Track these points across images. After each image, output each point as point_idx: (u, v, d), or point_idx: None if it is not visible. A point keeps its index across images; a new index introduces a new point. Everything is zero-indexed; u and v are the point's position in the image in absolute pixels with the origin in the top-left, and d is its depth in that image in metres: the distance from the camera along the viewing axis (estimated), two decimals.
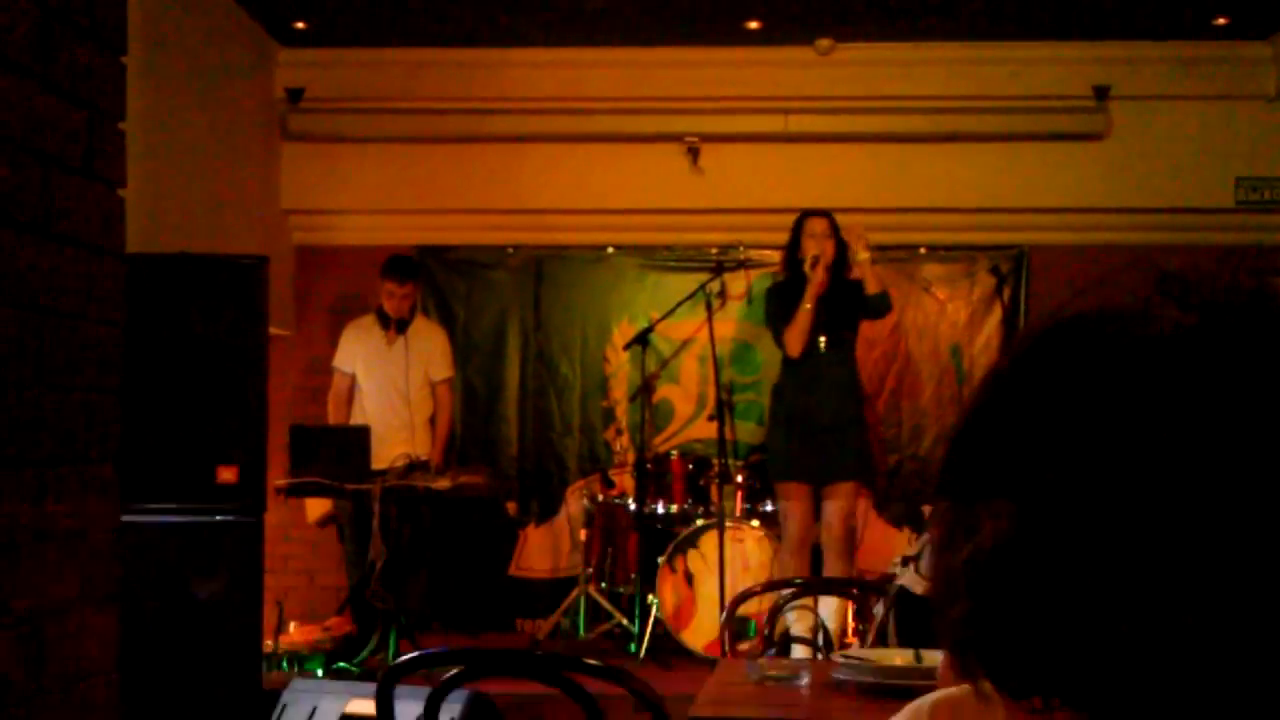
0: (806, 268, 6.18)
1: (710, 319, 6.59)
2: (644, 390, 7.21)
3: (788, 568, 6.17)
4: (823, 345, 6.23)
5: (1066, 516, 0.69)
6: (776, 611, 4.52)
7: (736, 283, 7.42)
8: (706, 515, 6.51)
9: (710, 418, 6.86)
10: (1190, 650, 0.67)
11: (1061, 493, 0.70)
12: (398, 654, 6.05)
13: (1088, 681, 0.69)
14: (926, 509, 7.23)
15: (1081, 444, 0.70)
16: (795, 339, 6.21)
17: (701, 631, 6.30)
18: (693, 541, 6.44)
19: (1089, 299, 0.75)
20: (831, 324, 6.25)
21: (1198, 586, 0.67)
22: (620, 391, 7.68)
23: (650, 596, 6.47)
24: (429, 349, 6.96)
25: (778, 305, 6.35)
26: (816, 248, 6.21)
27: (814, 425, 6.19)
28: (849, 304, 6.30)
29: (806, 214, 6.36)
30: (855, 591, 5.17)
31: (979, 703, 0.96)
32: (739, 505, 6.66)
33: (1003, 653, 0.72)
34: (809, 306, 6.17)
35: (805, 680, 2.95)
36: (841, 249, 6.31)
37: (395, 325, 6.85)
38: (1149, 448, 0.68)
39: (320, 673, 6.20)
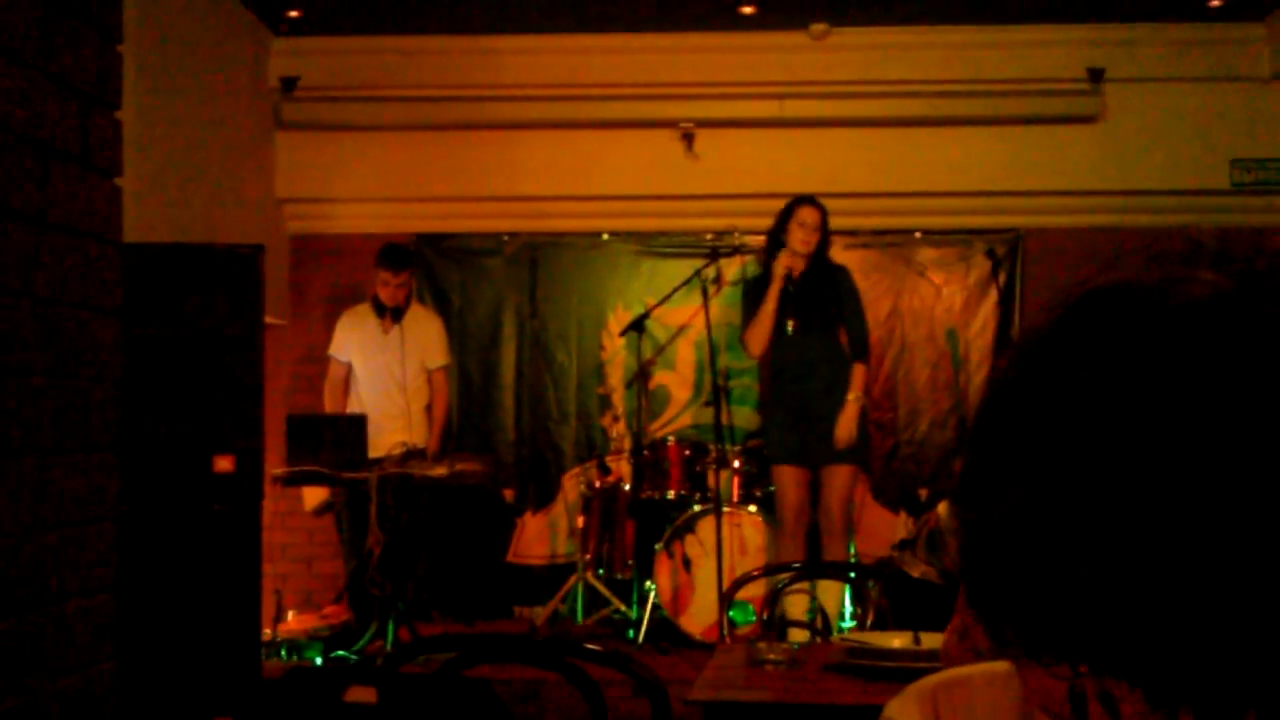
0: (776, 266, 6.18)
1: (706, 304, 6.59)
2: (640, 376, 7.21)
3: (785, 552, 6.19)
4: (790, 329, 6.23)
5: (1106, 484, 0.68)
6: (774, 595, 4.53)
7: (732, 268, 7.42)
8: (703, 500, 6.51)
9: (706, 403, 6.87)
10: (1235, 619, 0.66)
11: (1100, 460, 0.68)
12: (396, 642, 6.07)
13: (1129, 647, 0.68)
14: (923, 492, 7.24)
15: (1119, 410, 0.69)
16: (757, 339, 6.25)
17: (700, 616, 6.31)
18: (690, 527, 6.44)
19: (1116, 272, 0.74)
20: (801, 308, 6.23)
21: (1250, 554, 0.66)
22: (616, 378, 7.69)
23: (648, 582, 6.48)
24: (425, 337, 6.96)
25: (752, 303, 6.37)
26: (805, 238, 6.20)
27: (808, 409, 6.20)
28: (826, 290, 6.28)
29: (799, 201, 6.32)
30: (852, 575, 5.19)
31: (979, 683, 0.97)
32: (736, 490, 6.67)
33: (1041, 614, 0.71)
34: (771, 307, 6.18)
35: (803, 663, 2.96)
36: (826, 238, 6.31)
37: (391, 314, 6.84)
38: (1189, 413, 0.67)
39: (318, 661, 6.21)
